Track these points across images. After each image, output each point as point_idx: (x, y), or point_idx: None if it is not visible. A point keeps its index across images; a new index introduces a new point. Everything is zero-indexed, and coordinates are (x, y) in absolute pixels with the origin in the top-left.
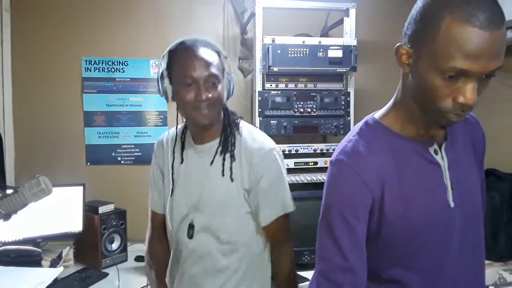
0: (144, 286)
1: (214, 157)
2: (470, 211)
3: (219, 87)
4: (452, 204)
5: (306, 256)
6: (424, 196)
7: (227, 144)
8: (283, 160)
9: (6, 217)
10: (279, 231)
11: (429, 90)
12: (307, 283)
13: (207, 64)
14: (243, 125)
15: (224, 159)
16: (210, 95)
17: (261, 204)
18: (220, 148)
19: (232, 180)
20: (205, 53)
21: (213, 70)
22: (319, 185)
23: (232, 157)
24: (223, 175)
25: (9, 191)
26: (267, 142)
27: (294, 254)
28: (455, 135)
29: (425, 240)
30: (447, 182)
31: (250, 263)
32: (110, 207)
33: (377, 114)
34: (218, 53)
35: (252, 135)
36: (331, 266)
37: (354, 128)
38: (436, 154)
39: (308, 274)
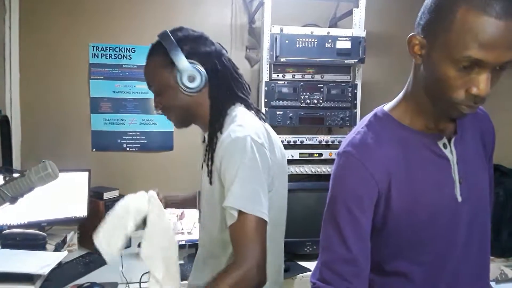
0: (147, 272)
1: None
2: (478, 206)
3: (161, 94)
4: (459, 199)
5: (308, 247)
6: (431, 190)
7: (211, 147)
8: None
9: (13, 200)
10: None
11: (442, 81)
12: (309, 273)
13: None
14: (238, 117)
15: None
16: (156, 106)
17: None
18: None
19: (211, 183)
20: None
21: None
22: (323, 177)
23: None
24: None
25: (16, 175)
26: (240, 129)
27: (292, 246)
28: (464, 129)
29: (431, 234)
30: (455, 177)
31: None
32: (115, 193)
33: (387, 106)
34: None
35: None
36: (334, 256)
37: (363, 120)
38: (445, 148)
39: (310, 264)
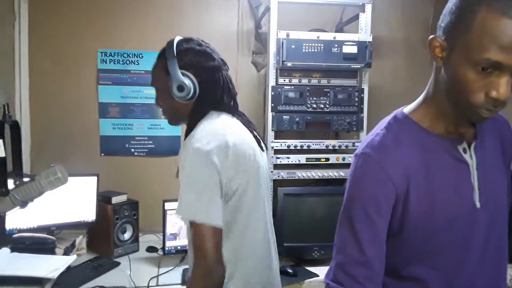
0: (155, 277)
1: None
2: (496, 213)
3: (158, 92)
4: (478, 205)
5: (315, 252)
6: (450, 195)
7: None
8: (202, 163)
9: (23, 204)
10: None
11: (462, 84)
12: (317, 278)
13: None
14: (201, 126)
15: None
16: (156, 101)
17: None
18: None
19: None
20: None
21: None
22: (330, 181)
23: None
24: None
25: (26, 179)
26: (195, 140)
27: (300, 251)
28: (484, 134)
29: (448, 239)
30: (475, 182)
31: None
32: (123, 198)
33: (407, 109)
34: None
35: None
36: (348, 259)
37: (382, 122)
38: (465, 152)
39: (318, 269)
